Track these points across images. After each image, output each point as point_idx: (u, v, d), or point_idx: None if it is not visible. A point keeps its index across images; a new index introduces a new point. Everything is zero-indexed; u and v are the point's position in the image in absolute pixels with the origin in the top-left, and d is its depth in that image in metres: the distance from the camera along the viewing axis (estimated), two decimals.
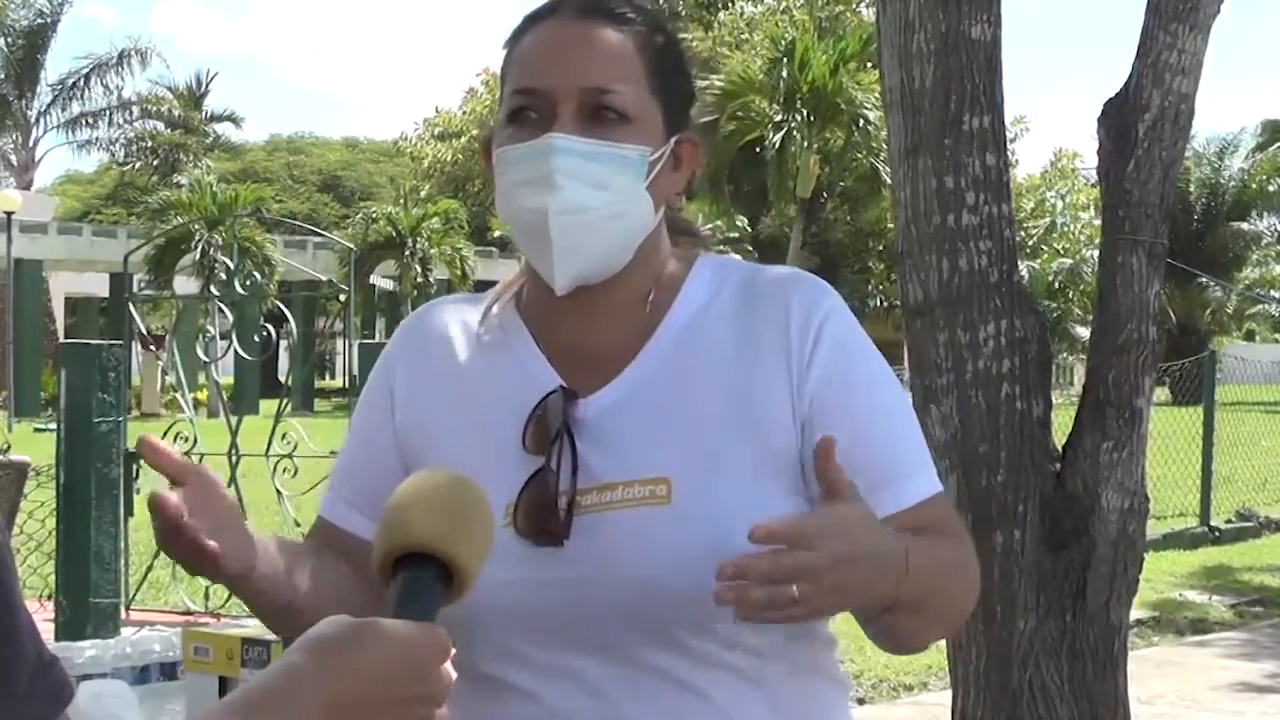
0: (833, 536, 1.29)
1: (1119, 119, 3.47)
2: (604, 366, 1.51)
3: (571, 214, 1.45)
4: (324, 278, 18.55)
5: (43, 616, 5.97)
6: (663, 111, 1.51)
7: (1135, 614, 5.06)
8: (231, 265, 7.70)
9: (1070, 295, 37.42)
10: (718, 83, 33.40)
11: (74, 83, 44.90)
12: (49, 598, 6.33)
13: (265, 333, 7.15)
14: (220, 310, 7.53)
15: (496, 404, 1.52)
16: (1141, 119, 3.44)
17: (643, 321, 1.52)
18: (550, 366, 1.52)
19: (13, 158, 45.31)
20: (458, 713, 1.55)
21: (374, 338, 34.91)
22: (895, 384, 1.54)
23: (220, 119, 53.06)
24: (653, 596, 1.41)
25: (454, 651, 1.09)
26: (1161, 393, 18.37)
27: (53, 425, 7.60)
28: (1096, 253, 3.72)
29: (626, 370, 1.50)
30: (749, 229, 36.52)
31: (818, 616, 1.35)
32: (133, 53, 44.87)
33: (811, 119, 33.54)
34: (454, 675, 1.09)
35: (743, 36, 41.14)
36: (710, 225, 21.19)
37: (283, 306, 9.48)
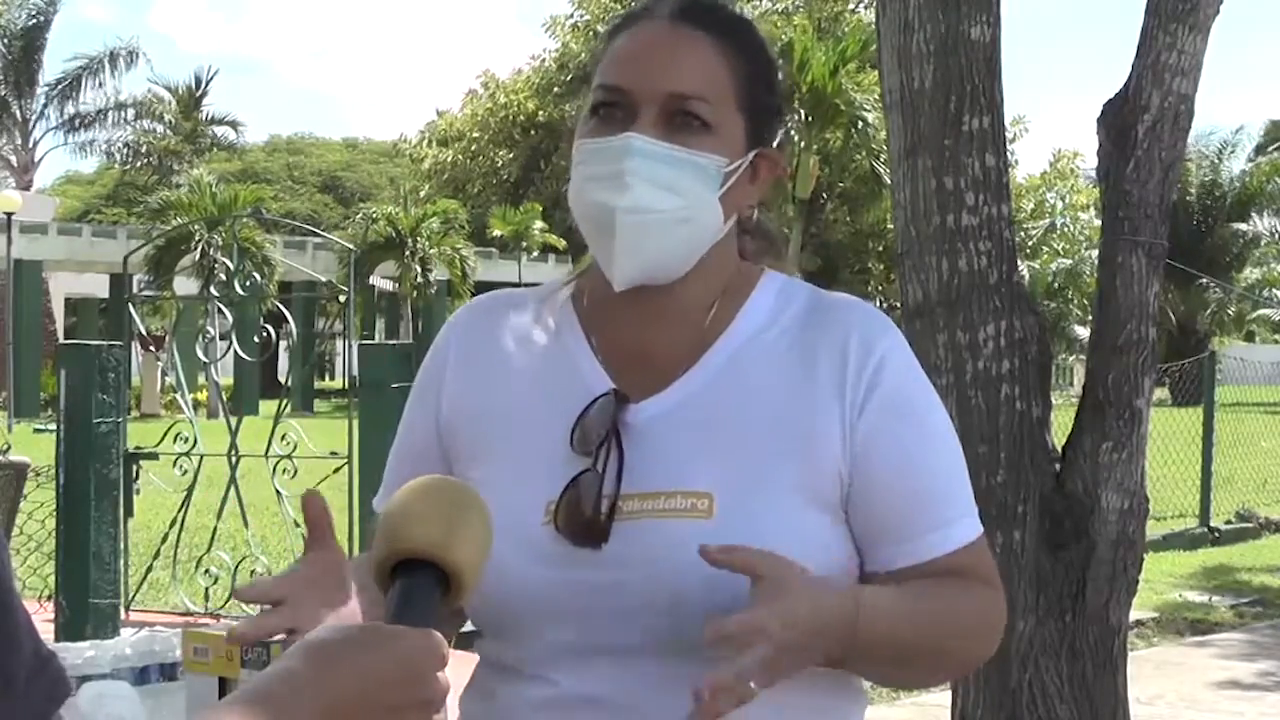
0: (781, 629, 1.31)
1: (1119, 119, 3.47)
2: (658, 373, 1.50)
3: (637, 214, 1.45)
4: (324, 278, 18.58)
5: (42, 617, 5.97)
6: (745, 124, 1.51)
7: (1135, 614, 5.05)
8: (231, 266, 7.71)
9: (1070, 296, 37.41)
10: None
11: (68, 83, 44.87)
12: (48, 598, 6.33)
13: (265, 333, 7.16)
14: (220, 311, 7.53)
15: (547, 403, 1.52)
16: (1141, 119, 3.44)
17: (702, 331, 1.52)
18: (602, 369, 1.52)
19: (12, 158, 45.31)
20: (477, 702, 1.57)
21: (374, 338, 34.98)
22: (946, 426, 1.54)
23: (219, 123, 53.03)
24: (683, 608, 1.41)
25: (452, 656, 1.09)
26: (1161, 393, 18.38)
27: (52, 426, 7.60)
28: (1096, 253, 3.72)
29: (680, 380, 1.50)
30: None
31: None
32: (121, 52, 44.84)
33: (811, 120, 33.55)
34: (450, 681, 1.09)
35: None
36: None
37: (282, 307, 9.46)
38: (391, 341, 26.76)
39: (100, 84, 45.17)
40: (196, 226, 30.74)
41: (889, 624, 1.40)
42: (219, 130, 53.31)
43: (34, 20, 44.36)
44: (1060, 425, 3.57)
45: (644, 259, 1.47)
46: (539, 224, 40.02)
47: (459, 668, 1.57)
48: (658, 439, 1.47)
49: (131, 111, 47.54)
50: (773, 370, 1.50)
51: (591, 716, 1.45)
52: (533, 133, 45.08)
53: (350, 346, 7.14)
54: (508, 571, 1.43)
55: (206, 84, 52.35)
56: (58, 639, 5.46)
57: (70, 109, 45.42)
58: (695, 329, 1.52)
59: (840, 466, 1.46)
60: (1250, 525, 13.16)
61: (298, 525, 7.13)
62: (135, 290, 24.34)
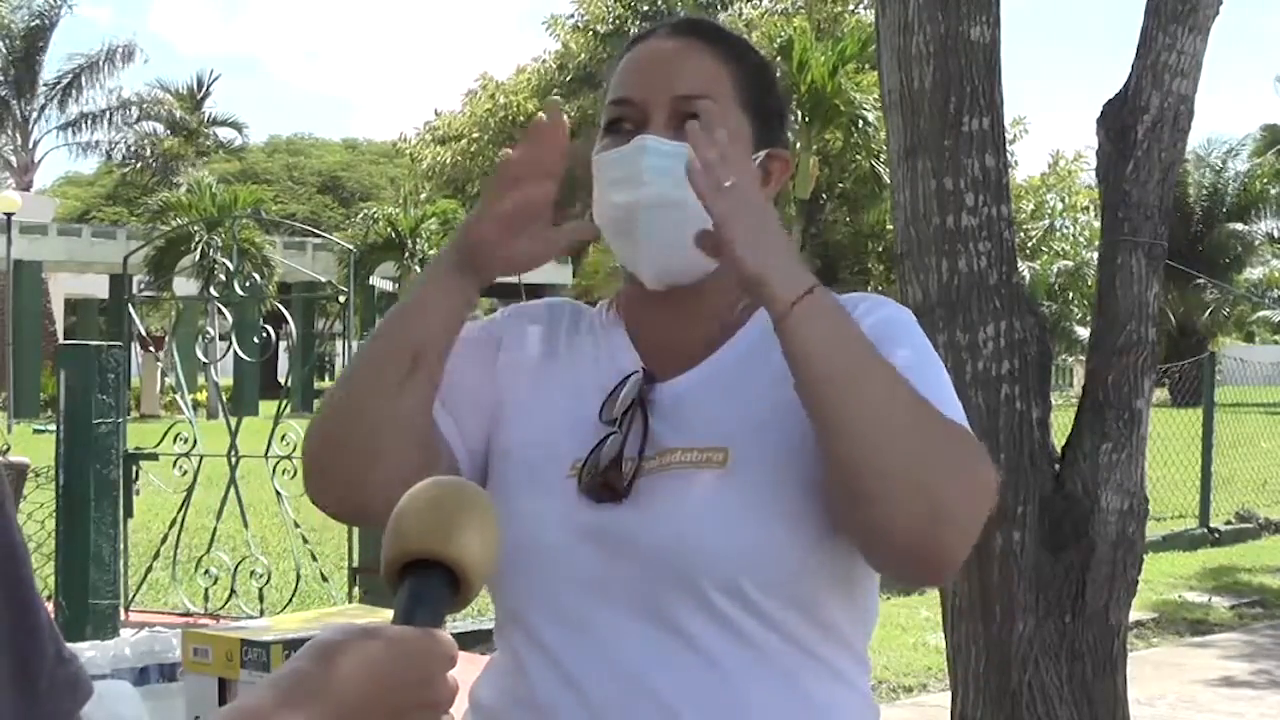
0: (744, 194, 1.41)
1: (1118, 120, 3.48)
2: (686, 358, 1.58)
3: (657, 208, 1.52)
4: (323, 279, 18.57)
5: None
6: (751, 125, 1.59)
7: (1135, 615, 5.06)
8: (231, 267, 7.70)
9: (1070, 297, 37.42)
10: None
11: (67, 83, 44.85)
12: (48, 599, 6.33)
13: (265, 334, 7.15)
14: (220, 311, 7.55)
15: (583, 381, 1.60)
16: (1141, 120, 3.45)
17: (730, 323, 1.60)
18: (636, 355, 1.60)
19: (12, 159, 45.29)
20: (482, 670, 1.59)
21: None
22: (938, 363, 1.59)
23: (221, 123, 53.02)
24: (692, 549, 1.45)
25: (459, 657, 1.09)
26: (1161, 394, 18.39)
27: (52, 426, 7.60)
28: (1096, 254, 3.72)
29: (706, 361, 1.58)
30: None
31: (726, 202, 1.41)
32: (119, 50, 44.82)
33: (810, 120, 33.56)
34: (459, 683, 1.09)
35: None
36: None
37: (282, 308, 9.47)
38: None
39: (99, 84, 45.16)
40: (196, 227, 30.75)
41: (841, 325, 1.42)
42: (221, 131, 53.34)
43: (37, 21, 44.35)
44: (1060, 425, 3.58)
45: (668, 253, 1.53)
46: None
47: (466, 669, 1.58)
48: (681, 411, 1.54)
49: (134, 112, 47.55)
50: None
51: (583, 675, 1.49)
52: None
53: (350, 347, 7.14)
54: (530, 520, 1.50)
55: (209, 85, 52.37)
56: None
57: (73, 109, 45.44)
58: (723, 321, 1.59)
59: None
60: (1250, 526, 13.17)
61: (297, 525, 7.13)
62: (135, 291, 24.36)
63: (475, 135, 44.80)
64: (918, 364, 1.51)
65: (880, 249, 38.86)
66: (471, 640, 5.61)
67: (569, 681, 1.49)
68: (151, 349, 19.08)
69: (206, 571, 7.00)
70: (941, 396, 1.49)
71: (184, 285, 31.67)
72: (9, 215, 29.06)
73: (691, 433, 1.52)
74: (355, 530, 6.22)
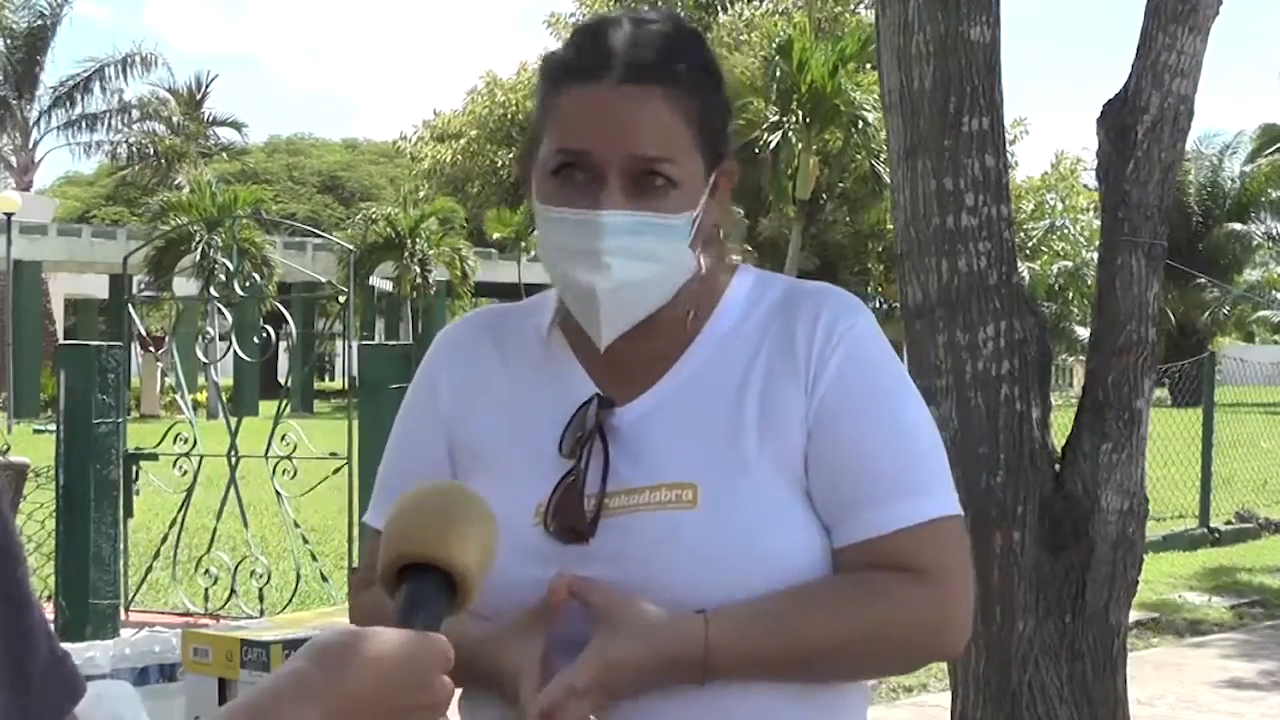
0: (604, 671, 1.39)
1: (1118, 120, 3.47)
2: (642, 377, 1.54)
3: (621, 290, 1.48)
4: (323, 279, 18.58)
5: None
6: (704, 160, 1.51)
7: (1134, 615, 5.07)
8: (231, 267, 7.71)
9: (1070, 297, 37.43)
10: None
11: (74, 85, 44.83)
12: (48, 599, 6.33)
13: (264, 334, 7.15)
14: (220, 311, 7.55)
15: (536, 411, 1.55)
16: (1140, 120, 3.44)
17: (682, 335, 1.55)
18: (589, 377, 1.55)
19: (12, 159, 45.26)
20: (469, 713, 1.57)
21: (373, 339, 34.93)
22: (915, 401, 1.53)
23: (222, 123, 53.00)
24: (671, 598, 1.43)
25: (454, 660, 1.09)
26: (1161, 394, 18.38)
27: (52, 427, 7.61)
28: (1096, 254, 3.72)
29: (662, 380, 1.53)
30: (748, 230, 36.47)
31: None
32: (136, 57, 44.79)
33: (810, 120, 33.54)
34: (454, 684, 1.09)
35: (741, 38, 41.13)
36: None
37: (282, 308, 9.47)
38: (391, 342, 26.77)
39: (106, 86, 45.13)
40: (196, 227, 30.75)
41: (753, 643, 1.42)
42: (222, 131, 53.33)
43: (40, 21, 44.30)
44: (1060, 426, 3.57)
45: (627, 321, 1.50)
46: None
47: None
48: (641, 438, 1.50)
49: (136, 113, 47.53)
50: (749, 357, 1.52)
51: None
52: None
53: (350, 347, 7.14)
54: (499, 573, 1.41)
55: (208, 85, 52.33)
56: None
57: (76, 110, 45.40)
58: (675, 335, 1.55)
59: (801, 441, 1.49)
60: (1250, 526, 13.16)
61: (297, 525, 7.14)
62: (135, 291, 24.35)
63: (474, 134, 44.80)
64: (885, 421, 1.51)
65: (880, 249, 38.86)
66: None
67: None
68: (151, 349, 19.06)
69: (206, 571, 7.00)
70: (910, 443, 1.51)
71: (184, 285, 31.65)
72: (9, 215, 29.06)
73: (654, 467, 1.48)
74: (354, 532, 6.22)
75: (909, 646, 1.50)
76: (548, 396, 1.55)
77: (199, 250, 30.67)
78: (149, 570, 7.36)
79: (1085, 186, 41.22)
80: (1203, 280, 31.20)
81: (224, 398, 9.41)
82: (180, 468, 6.96)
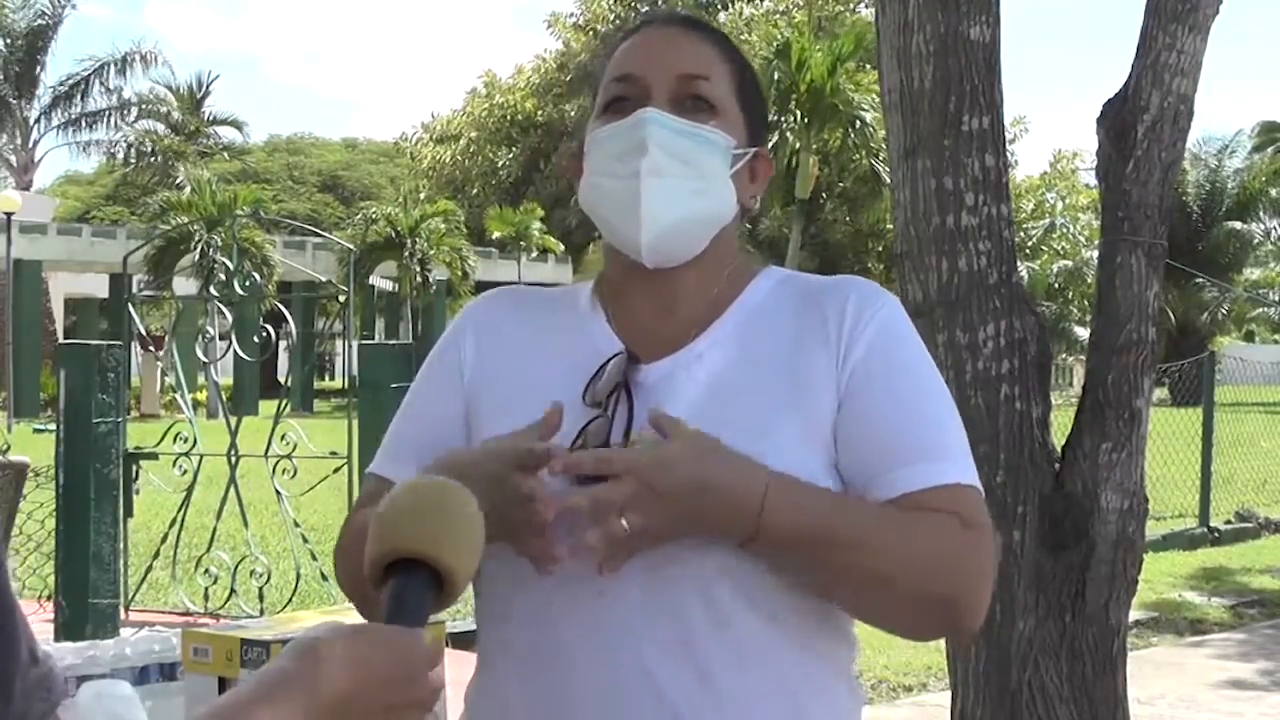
0: (650, 469, 1.37)
1: (1118, 120, 3.47)
2: (668, 342, 1.57)
3: (660, 177, 1.52)
4: (323, 278, 18.57)
5: (42, 617, 5.97)
6: (745, 119, 1.60)
7: (1134, 615, 5.07)
8: (231, 266, 7.70)
9: (1070, 296, 37.43)
10: None
11: (74, 84, 44.81)
12: (48, 598, 6.33)
13: (264, 333, 7.15)
14: (220, 311, 7.53)
15: (563, 366, 1.58)
16: (1141, 120, 3.44)
17: (710, 307, 1.59)
18: (616, 338, 1.59)
19: (12, 159, 45.27)
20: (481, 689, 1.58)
21: (373, 338, 34.96)
22: (939, 378, 1.58)
23: (222, 123, 52.98)
24: (689, 553, 1.44)
25: (456, 657, 1.09)
26: (1161, 393, 18.38)
27: (52, 426, 7.60)
28: (1096, 254, 3.72)
29: (689, 345, 1.57)
30: (748, 229, 36.51)
31: (661, 542, 1.40)
32: (136, 55, 44.78)
33: (809, 120, 33.54)
34: (444, 681, 1.09)
35: (741, 38, 41.15)
36: None
37: (282, 307, 9.47)
38: (391, 341, 26.77)
39: (106, 86, 45.11)
40: (196, 227, 30.75)
41: (807, 516, 1.42)
42: (222, 130, 53.31)
43: (40, 21, 44.28)
44: (1060, 425, 3.57)
45: (667, 228, 1.53)
46: (538, 225, 40.00)
47: (461, 669, 1.58)
48: (666, 395, 1.53)
49: (135, 112, 47.52)
50: (777, 331, 1.56)
51: (587, 659, 1.47)
52: (531, 133, 45.06)
53: (350, 346, 7.15)
54: None
55: (208, 85, 52.32)
56: (58, 639, 5.46)
57: (76, 109, 45.37)
58: (705, 306, 1.59)
59: (833, 399, 1.51)
60: (1250, 525, 13.16)
61: (297, 525, 7.13)
62: (135, 290, 24.34)
63: (473, 134, 44.81)
64: (917, 390, 1.54)
65: (880, 248, 38.89)
66: (467, 640, 5.61)
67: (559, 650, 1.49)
68: (151, 348, 19.08)
69: (206, 571, 7.00)
70: (934, 420, 1.53)
71: (184, 285, 31.67)
72: (9, 215, 29.06)
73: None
74: None
75: (943, 578, 1.46)
76: (574, 351, 1.59)
77: (199, 249, 30.70)
78: (149, 570, 7.36)
79: (1085, 185, 41.21)
80: (1203, 280, 31.20)
81: (224, 397, 9.41)
82: (180, 467, 6.96)
